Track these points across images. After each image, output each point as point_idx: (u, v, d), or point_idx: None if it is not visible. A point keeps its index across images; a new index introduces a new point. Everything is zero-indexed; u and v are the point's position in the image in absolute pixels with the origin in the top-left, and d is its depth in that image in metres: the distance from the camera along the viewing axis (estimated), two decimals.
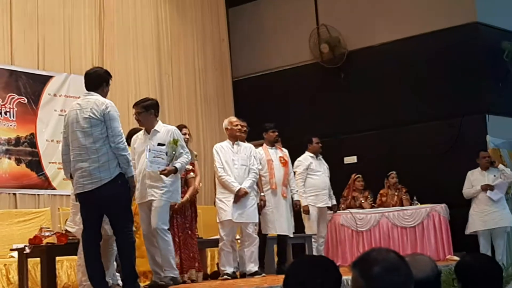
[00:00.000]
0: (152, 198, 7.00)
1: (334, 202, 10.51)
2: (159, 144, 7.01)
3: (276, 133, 9.30)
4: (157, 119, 7.25)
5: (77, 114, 6.27)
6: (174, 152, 7.00)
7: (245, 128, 8.59)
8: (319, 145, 10.32)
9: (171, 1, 12.90)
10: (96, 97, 6.32)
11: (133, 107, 7.34)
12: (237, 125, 8.51)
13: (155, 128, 7.15)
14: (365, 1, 12.65)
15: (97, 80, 6.44)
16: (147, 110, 7.15)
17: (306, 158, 10.24)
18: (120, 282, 6.73)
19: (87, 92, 6.43)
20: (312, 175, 10.14)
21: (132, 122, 11.00)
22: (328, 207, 10.39)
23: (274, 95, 13.34)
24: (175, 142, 7.02)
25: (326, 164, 10.43)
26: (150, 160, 6.83)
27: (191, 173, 8.21)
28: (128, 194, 6.32)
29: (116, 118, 6.23)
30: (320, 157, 10.40)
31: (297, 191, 9.50)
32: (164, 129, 7.16)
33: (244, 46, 13.95)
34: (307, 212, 9.96)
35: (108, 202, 6.20)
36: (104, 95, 6.43)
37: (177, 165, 6.99)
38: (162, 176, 6.96)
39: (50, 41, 10.81)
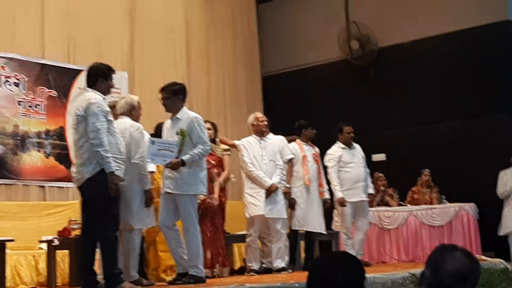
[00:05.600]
0: (168, 190, 6.70)
1: (371, 191, 9.63)
2: (177, 133, 6.69)
3: (315, 131, 9.23)
4: (183, 105, 6.92)
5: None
6: (181, 144, 6.62)
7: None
8: (351, 135, 9.34)
9: None
10: (89, 94, 6.18)
11: (160, 91, 6.95)
12: (263, 120, 8.49)
13: (177, 115, 6.83)
14: None
15: (92, 76, 6.28)
16: (175, 95, 6.85)
17: (336, 150, 9.29)
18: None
19: (86, 89, 6.33)
20: (344, 167, 9.20)
21: (161, 116, 11.02)
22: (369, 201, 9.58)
23: (303, 92, 13.32)
24: (182, 133, 6.63)
25: (362, 153, 9.44)
26: (152, 153, 6.50)
27: (214, 169, 7.98)
28: (107, 191, 6.03)
29: (95, 114, 6.01)
30: (354, 146, 9.41)
31: (328, 189, 9.21)
32: (185, 117, 6.80)
33: (273, 42, 13.93)
34: (342, 204, 9.12)
35: (88, 199, 6.19)
36: (103, 90, 6.24)
37: (185, 157, 6.60)
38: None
39: (81, 35, 10.89)
